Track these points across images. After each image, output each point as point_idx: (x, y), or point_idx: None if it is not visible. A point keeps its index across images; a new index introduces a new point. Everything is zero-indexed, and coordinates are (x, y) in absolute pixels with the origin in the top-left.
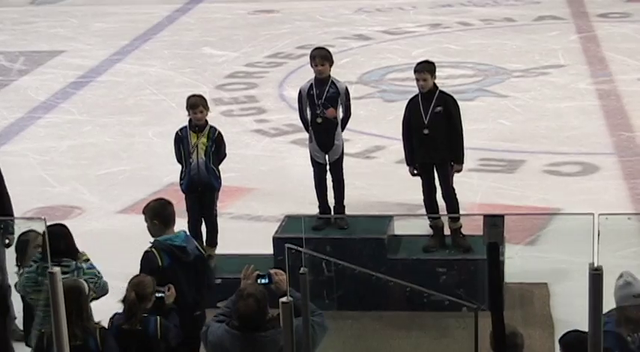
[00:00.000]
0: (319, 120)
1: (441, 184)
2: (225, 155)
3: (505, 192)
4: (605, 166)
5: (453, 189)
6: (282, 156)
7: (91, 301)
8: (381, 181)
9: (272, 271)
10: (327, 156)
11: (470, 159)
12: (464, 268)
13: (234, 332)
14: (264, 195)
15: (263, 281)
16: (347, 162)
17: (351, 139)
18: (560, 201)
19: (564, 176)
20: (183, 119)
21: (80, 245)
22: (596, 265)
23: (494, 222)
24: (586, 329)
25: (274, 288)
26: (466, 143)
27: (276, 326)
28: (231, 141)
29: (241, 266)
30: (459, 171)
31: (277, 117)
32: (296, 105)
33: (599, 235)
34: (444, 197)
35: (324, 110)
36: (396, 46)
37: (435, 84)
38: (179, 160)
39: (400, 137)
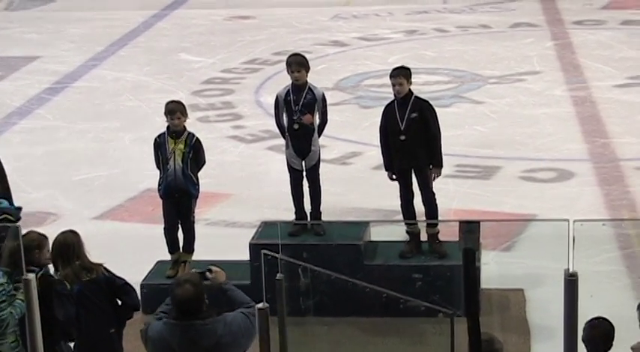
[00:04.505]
0: (296, 126)
1: (420, 189)
2: (204, 162)
3: (481, 198)
4: (580, 172)
5: (433, 194)
6: (259, 162)
7: None
8: (357, 187)
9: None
10: (303, 163)
11: (446, 165)
12: (440, 274)
13: (172, 322)
14: (241, 201)
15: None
16: (323, 168)
17: (328, 145)
18: (535, 207)
19: (540, 182)
20: (159, 125)
21: None
22: (571, 271)
23: (470, 228)
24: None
25: (210, 282)
26: (443, 149)
27: (213, 315)
28: (208, 147)
29: None
30: (437, 175)
31: (254, 123)
32: (272, 111)
33: (574, 241)
34: (423, 201)
35: (300, 116)
36: (373, 53)
37: (410, 90)
38: (158, 166)
39: (377, 143)
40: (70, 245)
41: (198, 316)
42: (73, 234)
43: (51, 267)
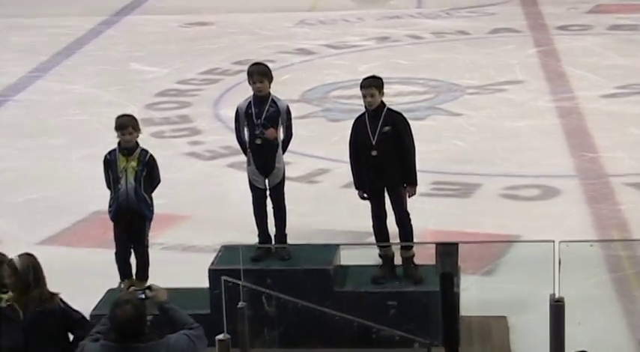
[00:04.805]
0: (258, 141)
1: (393, 208)
2: (159, 181)
3: (459, 218)
4: (567, 190)
5: (407, 214)
6: (218, 180)
7: None
8: (325, 207)
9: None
10: (266, 181)
11: (422, 182)
12: (416, 300)
13: (110, 345)
14: (199, 223)
15: (141, 296)
16: (289, 187)
17: (293, 162)
18: (518, 227)
19: (523, 200)
20: (109, 141)
21: None
22: (557, 296)
23: (447, 251)
24: None
25: (150, 301)
26: (417, 165)
27: (156, 337)
28: (163, 165)
29: (174, 301)
30: (412, 194)
31: (212, 138)
32: (233, 125)
33: (560, 263)
34: (397, 222)
35: (263, 130)
36: (341, 61)
37: (382, 101)
38: (108, 186)
39: (346, 159)
40: (37, 269)
41: (140, 338)
42: (32, 257)
43: None
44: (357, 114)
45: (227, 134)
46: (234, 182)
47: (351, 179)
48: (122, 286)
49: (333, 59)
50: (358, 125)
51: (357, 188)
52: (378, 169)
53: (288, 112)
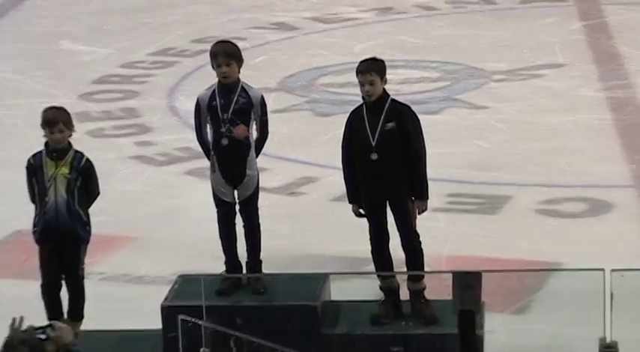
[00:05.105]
0: (225, 141)
1: (399, 228)
2: (97, 192)
3: (484, 241)
4: (621, 204)
5: (417, 235)
6: (174, 192)
7: None
8: (312, 226)
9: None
10: (236, 192)
11: (434, 194)
12: (427, 345)
13: None
14: (149, 247)
15: (41, 336)
16: (264, 201)
17: (270, 168)
18: (559, 252)
19: (564, 217)
20: (34, 141)
21: None
22: (608, 340)
23: (468, 282)
24: None
25: (52, 343)
26: (430, 172)
27: None
28: (103, 173)
29: (117, 347)
30: (422, 210)
31: (167, 138)
32: (192, 121)
33: (612, 298)
34: (403, 246)
35: (231, 128)
36: (332, 39)
37: (385, 90)
38: (32, 199)
39: (338, 164)
40: None
41: None
42: None
43: None
44: (352, 107)
45: (185, 132)
46: (195, 194)
47: (344, 190)
48: (16, 323)
49: (322, 36)
50: (354, 121)
51: (351, 202)
52: (378, 177)
53: (263, 104)
